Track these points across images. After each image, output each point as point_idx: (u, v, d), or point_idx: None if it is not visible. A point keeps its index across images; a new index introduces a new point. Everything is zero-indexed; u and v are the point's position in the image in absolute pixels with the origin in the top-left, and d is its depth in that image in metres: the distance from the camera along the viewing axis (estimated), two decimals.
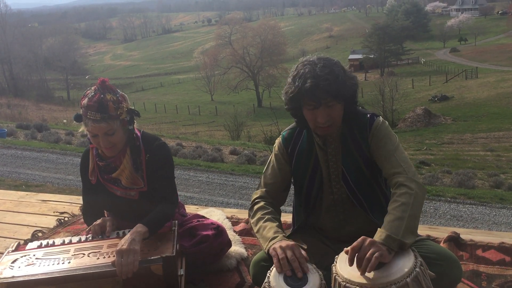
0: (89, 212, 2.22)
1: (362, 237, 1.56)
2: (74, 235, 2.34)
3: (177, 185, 2.23)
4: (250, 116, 34.92)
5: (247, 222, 2.81)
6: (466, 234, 2.47)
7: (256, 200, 1.97)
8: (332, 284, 1.56)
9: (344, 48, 73.65)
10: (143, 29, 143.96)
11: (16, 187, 8.99)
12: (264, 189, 1.98)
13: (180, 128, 31.99)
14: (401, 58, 57.46)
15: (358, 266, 1.51)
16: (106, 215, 2.23)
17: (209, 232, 2.17)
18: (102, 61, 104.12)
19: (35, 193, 3.83)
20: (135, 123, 2.10)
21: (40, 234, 2.77)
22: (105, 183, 2.15)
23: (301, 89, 1.70)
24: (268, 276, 1.61)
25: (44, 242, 2.04)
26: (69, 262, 1.84)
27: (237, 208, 6.41)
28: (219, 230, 2.21)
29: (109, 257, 1.83)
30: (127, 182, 2.10)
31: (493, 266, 2.15)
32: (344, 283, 1.49)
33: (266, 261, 1.75)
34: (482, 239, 2.41)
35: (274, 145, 2.03)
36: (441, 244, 2.32)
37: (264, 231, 1.79)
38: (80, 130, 2.05)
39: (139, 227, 1.89)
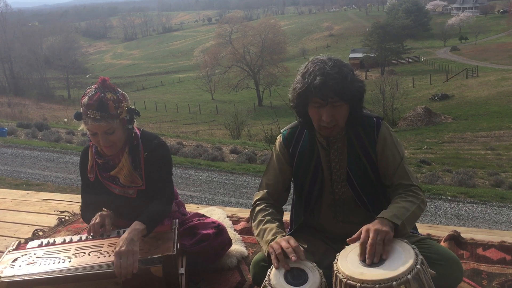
0: (87, 210, 2.21)
1: (362, 228, 1.60)
2: (75, 234, 2.35)
3: (177, 184, 2.23)
4: (251, 115, 34.83)
5: (247, 220, 2.81)
6: (467, 233, 2.47)
7: (257, 202, 1.97)
8: (333, 282, 1.56)
9: (345, 47, 73.52)
10: (143, 28, 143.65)
11: (17, 186, 8.99)
12: (265, 190, 1.98)
13: (181, 127, 31.93)
14: (401, 57, 57.30)
15: (362, 255, 1.54)
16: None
17: (210, 231, 2.17)
18: (103, 60, 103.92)
19: (35, 192, 3.83)
20: (135, 122, 2.09)
21: (40, 233, 2.78)
22: (104, 181, 2.14)
23: (310, 85, 1.71)
24: (269, 274, 1.62)
25: (45, 241, 2.04)
26: (69, 261, 1.84)
27: (237, 207, 6.41)
28: (219, 229, 2.21)
29: (109, 255, 1.83)
30: (126, 181, 2.09)
31: (494, 265, 2.15)
32: (345, 280, 1.49)
33: (266, 262, 1.75)
34: (483, 238, 2.41)
35: (275, 144, 2.02)
36: (442, 243, 2.32)
37: (264, 233, 1.80)
38: (80, 128, 2.05)
39: (137, 225, 1.88)
